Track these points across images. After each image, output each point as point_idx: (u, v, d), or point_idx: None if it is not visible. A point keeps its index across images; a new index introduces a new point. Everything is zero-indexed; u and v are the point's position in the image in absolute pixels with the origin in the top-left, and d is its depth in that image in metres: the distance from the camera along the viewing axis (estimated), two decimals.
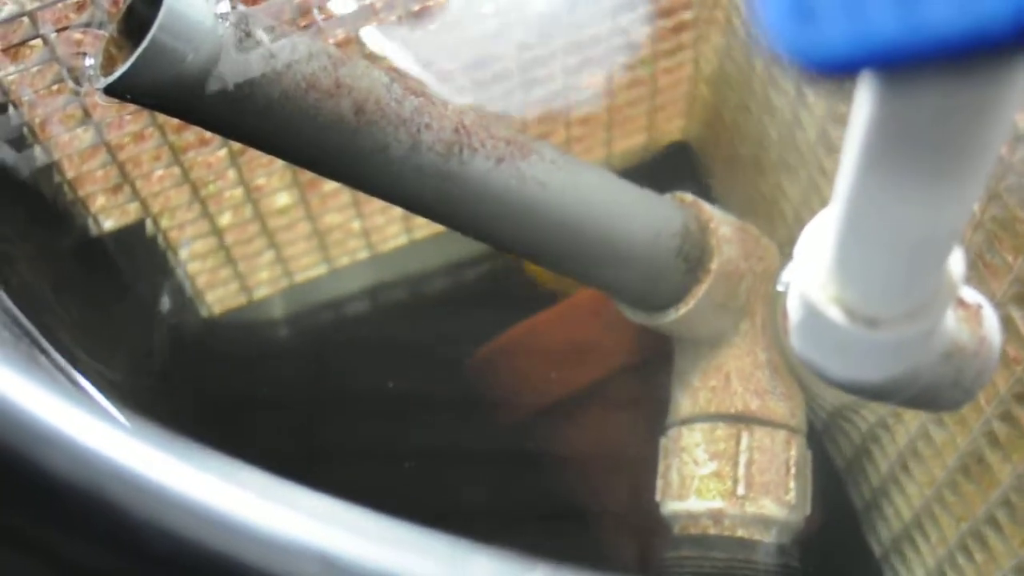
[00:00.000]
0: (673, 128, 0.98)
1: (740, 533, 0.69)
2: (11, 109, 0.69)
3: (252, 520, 0.29)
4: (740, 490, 0.69)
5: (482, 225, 0.65)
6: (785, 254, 0.73)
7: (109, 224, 0.80)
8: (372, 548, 0.28)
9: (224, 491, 0.29)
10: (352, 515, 0.29)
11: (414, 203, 0.64)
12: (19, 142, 0.70)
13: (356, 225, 0.92)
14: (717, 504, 0.69)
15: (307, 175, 0.83)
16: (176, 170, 0.79)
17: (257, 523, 0.29)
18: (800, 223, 0.44)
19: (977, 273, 0.61)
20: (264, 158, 0.80)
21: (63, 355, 0.62)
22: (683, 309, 0.70)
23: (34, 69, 0.67)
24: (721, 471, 0.70)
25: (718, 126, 0.93)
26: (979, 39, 0.23)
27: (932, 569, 0.73)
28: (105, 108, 0.72)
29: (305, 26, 0.69)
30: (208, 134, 0.76)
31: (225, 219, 0.86)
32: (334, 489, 0.33)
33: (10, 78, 0.68)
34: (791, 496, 0.70)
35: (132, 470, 0.29)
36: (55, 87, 0.69)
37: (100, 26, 0.63)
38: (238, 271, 0.92)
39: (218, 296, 0.93)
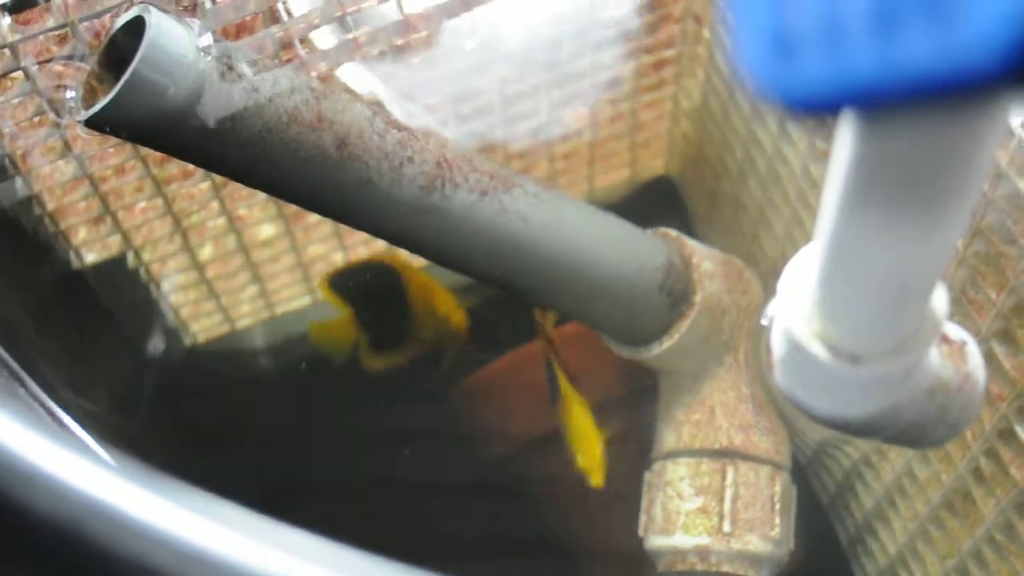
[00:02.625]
0: (655, 163, 0.99)
1: (726, 569, 0.69)
2: None
3: (233, 557, 0.28)
4: (726, 526, 0.69)
5: (464, 258, 0.65)
6: (768, 289, 0.73)
7: (91, 257, 0.80)
8: None
9: (205, 528, 0.29)
10: (334, 552, 0.29)
11: (396, 236, 0.64)
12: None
13: (339, 257, 0.92)
14: (703, 540, 0.69)
15: (290, 207, 0.83)
16: (159, 202, 0.79)
17: (239, 560, 0.28)
18: (784, 258, 0.43)
19: (961, 309, 0.61)
20: (247, 190, 0.80)
21: (43, 388, 0.61)
22: (667, 343, 0.70)
23: (15, 101, 0.67)
24: (707, 507, 0.70)
25: (700, 161, 0.93)
26: (959, 78, 0.23)
27: None
28: (87, 140, 0.71)
29: (287, 60, 0.69)
30: (191, 166, 0.75)
31: (208, 251, 0.86)
32: (315, 520, 0.32)
33: None
34: (776, 532, 0.70)
35: (112, 507, 0.29)
36: (36, 119, 0.68)
37: (82, 59, 0.63)
38: (221, 303, 0.91)
39: (202, 326, 0.93)
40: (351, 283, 0.88)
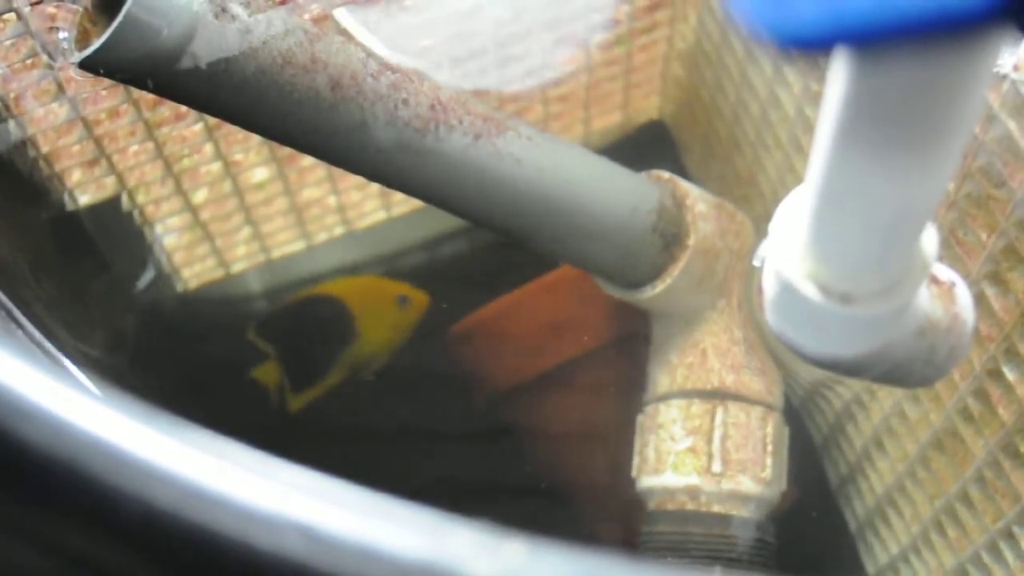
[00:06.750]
0: (649, 106, 0.99)
1: (716, 509, 0.70)
2: None
3: (232, 492, 0.29)
4: (716, 466, 0.70)
5: (459, 201, 0.65)
6: (762, 232, 0.74)
7: (85, 199, 0.80)
8: (353, 520, 0.28)
9: (204, 463, 0.29)
10: (332, 487, 0.29)
11: (391, 179, 0.64)
12: None
13: (333, 201, 0.92)
14: (693, 480, 0.70)
15: (284, 150, 0.83)
16: (151, 145, 0.79)
17: (237, 495, 0.29)
18: (776, 200, 0.44)
19: (951, 251, 0.61)
20: (240, 133, 0.80)
21: (40, 330, 0.61)
22: (660, 286, 0.70)
23: (8, 43, 0.67)
24: (696, 447, 0.70)
25: (694, 104, 0.93)
26: (951, 15, 0.23)
27: (906, 545, 0.74)
28: (80, 83, 0.71)
29: (281, 2, 0.69)
30: (184, 108, 0.75)
31: (202, 194, 0.86)
32: (311, 464, 0.33)
33: None
34: (767, 472, 0.70)
35: (109, 442, 0.29)
36: (29, 61, 0.68)
37: (74, 0, 0.62)
38: (215, 246, 0.91)
39: (195, 271, 0.93)
40: (279, 324, 0.89)
